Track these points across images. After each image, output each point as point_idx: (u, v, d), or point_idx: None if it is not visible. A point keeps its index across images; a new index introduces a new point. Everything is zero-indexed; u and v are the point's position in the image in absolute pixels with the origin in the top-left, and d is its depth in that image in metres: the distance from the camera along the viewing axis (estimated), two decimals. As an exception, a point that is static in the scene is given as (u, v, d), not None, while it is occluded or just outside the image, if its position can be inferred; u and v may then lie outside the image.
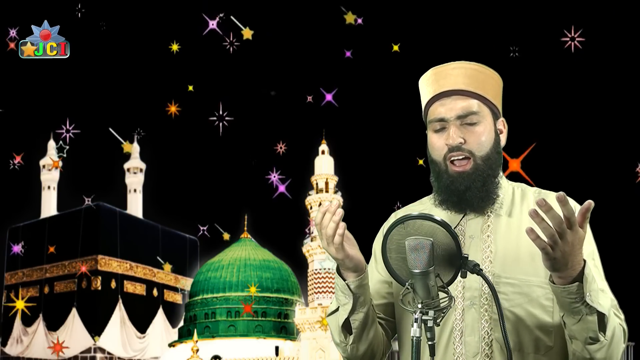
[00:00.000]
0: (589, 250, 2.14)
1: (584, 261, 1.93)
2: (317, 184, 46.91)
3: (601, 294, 1.99)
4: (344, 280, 2.14)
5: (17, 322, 56.92)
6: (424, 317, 1.89)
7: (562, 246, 1.87)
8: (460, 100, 2.20)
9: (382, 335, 2.28)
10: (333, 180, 46.97)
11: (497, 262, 2.17)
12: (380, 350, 2.27)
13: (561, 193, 1.83)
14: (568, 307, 1.96)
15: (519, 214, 2.23)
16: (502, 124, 2.28)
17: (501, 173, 2.27)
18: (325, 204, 2.10)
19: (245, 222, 53.91)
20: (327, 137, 47.25)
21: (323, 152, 47.43)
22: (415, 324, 1.88)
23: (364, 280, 2.14)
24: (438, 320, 1.92)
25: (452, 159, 2.20)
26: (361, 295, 2.14)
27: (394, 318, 2.32)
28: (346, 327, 2.20)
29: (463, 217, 2.23)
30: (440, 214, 2.22)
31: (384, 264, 1.97)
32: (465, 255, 1.91)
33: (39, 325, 56.21)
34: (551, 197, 2.24)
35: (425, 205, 2.32)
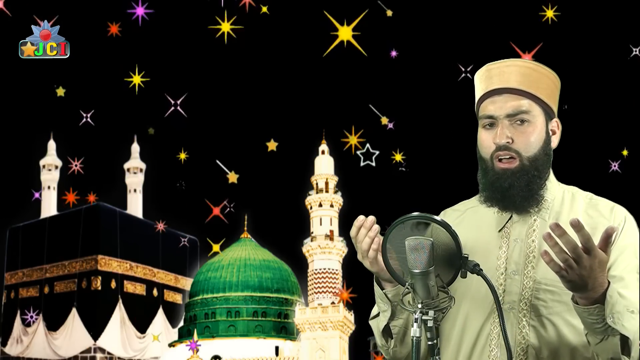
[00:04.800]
0: (634, 263, 2.11)
1: (608, 282, 1.91)
2: (317, 184, 46.94)
3: (628, 315, 1.95)
4: (382, 289, 2.16)
5: (17, 322, 56.95)
6: (424, 317, 1.90)
7: (578, 270, 1.85)
8: (511, 99, 2.18)
9: None
10: (333, 180, 47.00)
11: (539, 268, 2.14)
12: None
13: (575, 219, 1.80)
14: (590, 327, 1.95)
15: (566, 219, 2.16)
16: (555, 125, 2.25)
17: (551, 176, 2.24)
18: (360, 218, 2.10)
19: (245, 222, 53.94)
20: (327, 137, 47.25)
21: (323, 152, 47.45)
22: (415, 324, 1.89)
23: (401, 289, 2.13)
24: (438, 320, 1.92)
25: (500, 157, 2.18)
26: (399, 303, 2.15)
27: None
28: (387, 331, 2.21)
29: (509, 219, 2.21)
30: (487, 213, 2.23)
31: (384, 264, 1.97)
32: (466, 255, 1.91)
33: (39, 325, 56.19)
34: (602, 204, 2.21)
35: (472, 202, 2.32)
